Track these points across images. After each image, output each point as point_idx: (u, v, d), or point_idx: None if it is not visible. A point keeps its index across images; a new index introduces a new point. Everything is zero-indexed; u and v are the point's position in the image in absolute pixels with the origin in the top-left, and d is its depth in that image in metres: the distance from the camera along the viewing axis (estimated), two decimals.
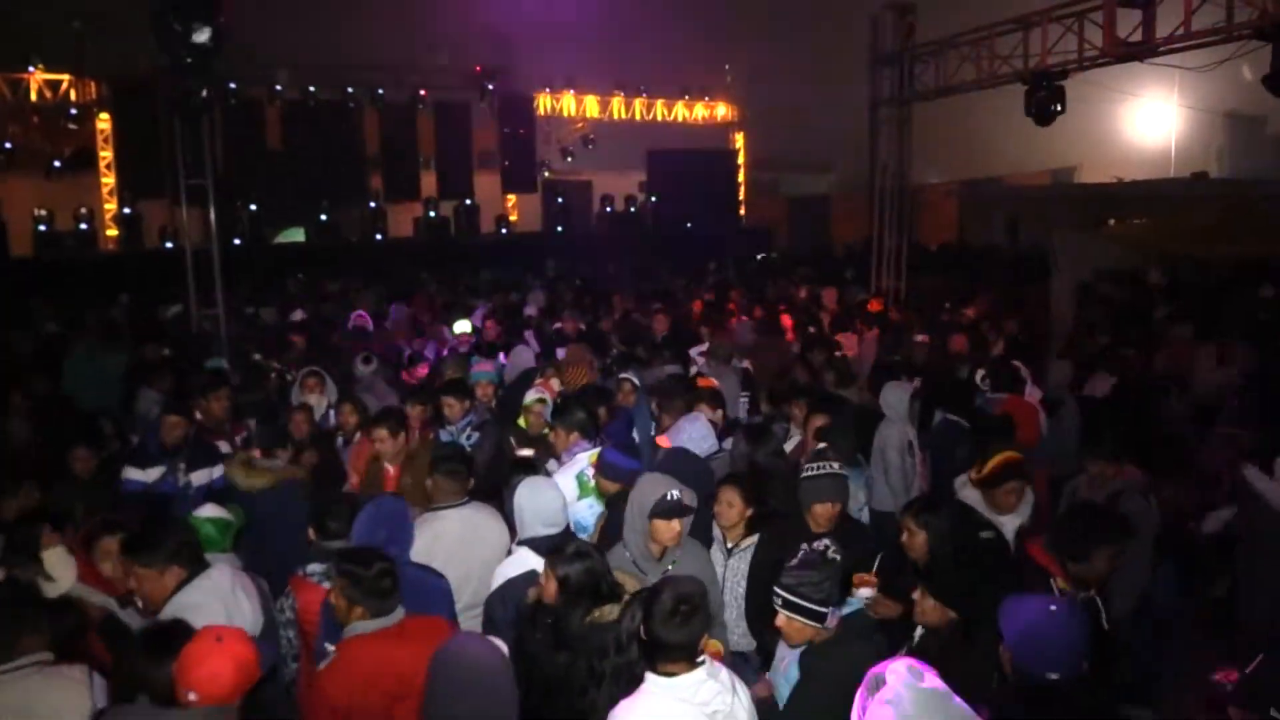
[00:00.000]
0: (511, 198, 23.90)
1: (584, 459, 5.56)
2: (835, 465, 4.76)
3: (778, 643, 3.90)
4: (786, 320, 11.58)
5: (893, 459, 6.53)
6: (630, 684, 3.20)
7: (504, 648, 3.32)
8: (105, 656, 3.60)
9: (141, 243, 18.82)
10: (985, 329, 10.64)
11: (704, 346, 9.28)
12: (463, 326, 10.56)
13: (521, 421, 6.64)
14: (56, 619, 3.43)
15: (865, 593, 4.15)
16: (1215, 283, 13.39)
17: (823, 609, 3.44)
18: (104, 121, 18.97)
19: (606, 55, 23.62)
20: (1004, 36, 13.62)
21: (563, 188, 24.22)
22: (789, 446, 6.45)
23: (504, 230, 22.95)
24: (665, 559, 4.24)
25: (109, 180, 19.19)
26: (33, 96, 18.22)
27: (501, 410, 7.38)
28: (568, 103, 23.98)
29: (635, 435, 6.57)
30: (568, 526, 5.03)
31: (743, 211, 26.73)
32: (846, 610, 3.57)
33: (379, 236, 21.14)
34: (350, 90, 20.26)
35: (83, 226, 18.44)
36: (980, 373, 8.44)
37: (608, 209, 24.45)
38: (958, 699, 2.57)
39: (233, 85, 17.74)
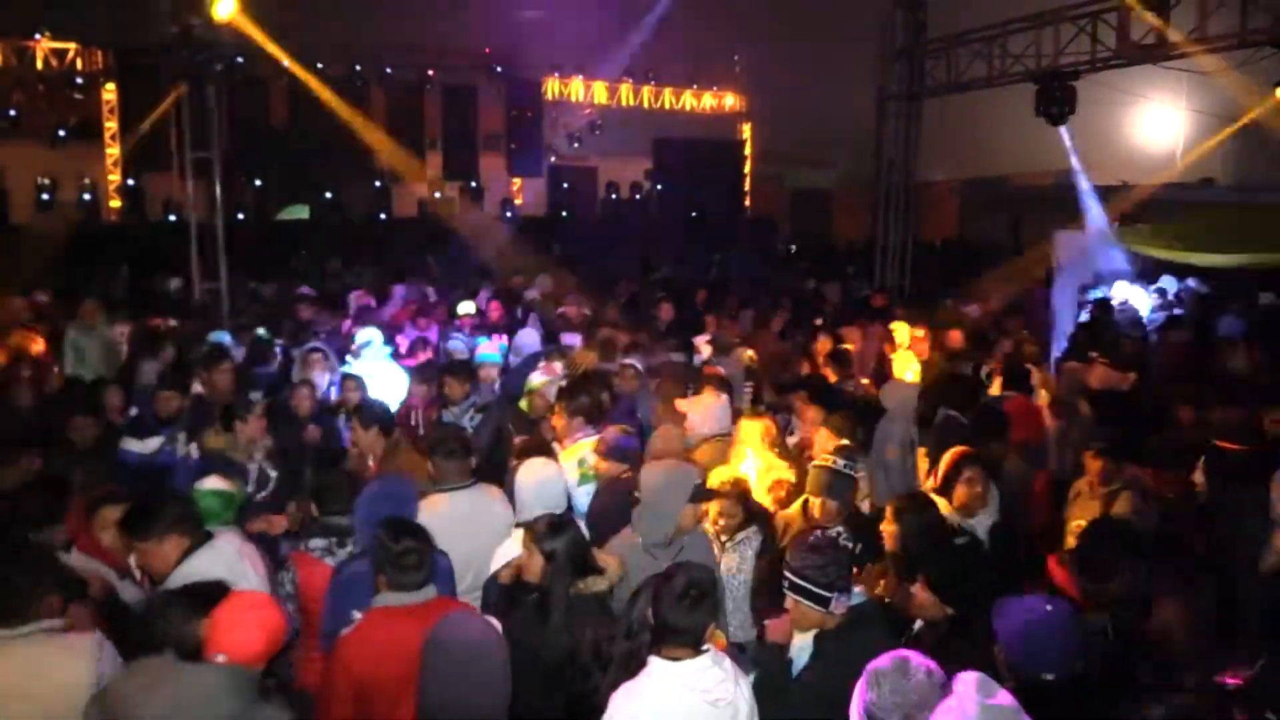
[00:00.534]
0: (517, 181, 23.83)
1: (586, 445, 5.57)
2: (841, 463, 4.77)
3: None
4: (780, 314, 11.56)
5: (893, 456, 6.54)
6: (637, 670, 3.21)
7: (499, 626, 3.34)
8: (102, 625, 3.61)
9: (144, 215, 18.77)
10: (987, 327, 10.64)
11: (708, 335, 9.28)
12: (466, 308, 10.54)
13: (524, 404, 6.64)
14: (68, 588, 3.45)
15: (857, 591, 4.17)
16: (1217, 289, 13.37)
17: (827, 593, 3.45)
18: (110, 92, 18.89)
19: (615, 41, 23.49)
20: (1016, 35, 13.59)
21: (568, 173, 24.12)
22: (791, 441, 6.47)
23: (509, 214, 22.90)
24: (674, 545, 4.25)
25: (113, 151, 19.10)
26: (39, 65, 18.13)
27: (504, 394, 7.38)
28: (576, 88, 23.87)
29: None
30: (569, 509, 5.06)
31: (747, 203, 26.68)
32: (856, 599, 3.57)
33: (383, 216, 21.09)
34: (358, 68, 20.17)
35: (86, 197, 18.41)
36: (984, 370, 8.46)
37: (613, 195, 24.40)
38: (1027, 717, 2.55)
39: (240, 60, 17.65)
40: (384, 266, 15.25)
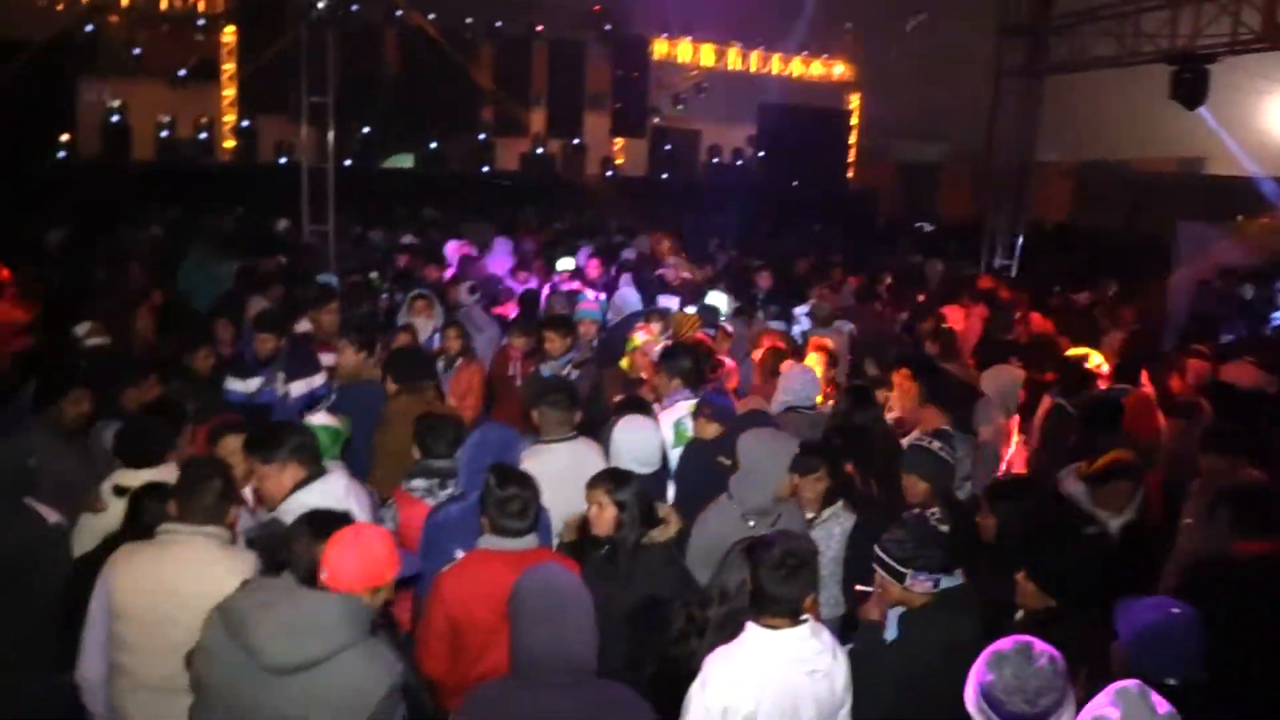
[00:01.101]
0: (619, 141, 23.73)
1: (684, 408, 5.56)
2: (937, 445, 4.66)
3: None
4: (884, 289, 11.36)
5: (987, 438, 6.39)
6: (733, 635, 3.19)
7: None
8: None
9: (256, 156, 19.23)
10: (1099, 316, 10.30)
11: (808, 306, 9.17)
12: (566, 264, 10.58)
13: (624, 362, 6.64)
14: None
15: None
16: None
17: (902, 568, 3.44)
18: (229, 34, 19.31)
19: (725, 3, 23.14)
20: (1150, 13, 12.98)
21: (671, 135, 23.90)
22: (890, 417, 6.35)
23: (609, 173, 22.88)
24: (772, 513, 4.21)
25: (229, 93, 19.55)
26: (163, 5, 18.61)
27: (602, 351, 7.39)
28: (684, 49, 23.59)
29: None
30: (664, 468, 5.06)
31: (850, 174, 26.19)
32: (948, 583, 3.49)
33: (485, 169, 21.27)
34: (468, 20, 20.25)
35: (202, 136, 18.92)
36: (1095, 360, 8.19)
37: (714, 160, 24.15)
38: None
39: (355, 8, 17.87)
40: (485, 219, 15.35)
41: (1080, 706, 2.62)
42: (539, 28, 21.26)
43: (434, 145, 20.72)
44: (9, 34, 14.94)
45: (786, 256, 13.35)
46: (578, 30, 21.94)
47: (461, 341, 7.09)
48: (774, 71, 24.74)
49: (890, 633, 3.61)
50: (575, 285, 9.54)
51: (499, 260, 11.29)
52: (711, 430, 5.16)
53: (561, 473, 4.44)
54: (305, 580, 2.97)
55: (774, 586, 3.10)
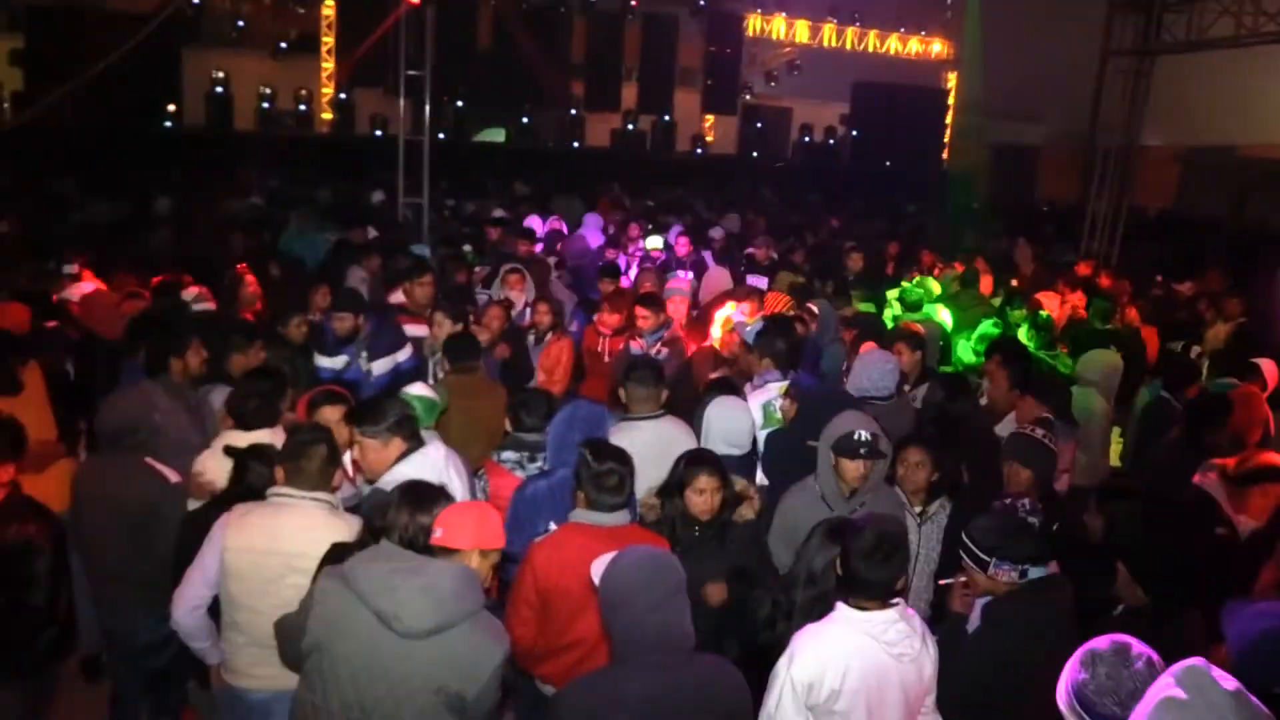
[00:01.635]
0: (710, 118, 23.55)
1: (774, 389, 5.53)
2: (1040, 433, 4.56)
3: None
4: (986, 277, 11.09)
5: (1093, 431, 6.23)
6: (822, 616, 3.19)
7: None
8: None
9: (352, 129, 19.62)
10: (1203, 307, 9.93)
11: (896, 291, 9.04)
12: (655, 242, 10.59)
13: (715, 342, 6.63)
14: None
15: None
16: None
17: (986, 556, 3.42)
18: (329, 7, 19.68)
19: None
20: None
21: (762, 113, 23.63)
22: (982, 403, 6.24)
23: (699, 150, 22.75)
24: (854, 499, 4.17)
25: (328, 65, 19.96)
26: None
27: (692, 329, 7.39)
28: (778, 25, 23.27)
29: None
30: (753, 450, 5.05)
31: (945, 155, 25.58)
32: (1036, 573, 3.43)
33: (575, 144, 21.33)
34: None
35: (301, 108, 19.37)
36: (1196, 351, 7.94)
37: (805, 139, 23.85)
38: None
39: None
40: (574, 194, 15.43)
41: None
42: (633, 2, 21.19)
43: (526, 120, 20.84)
44: (118, 5, 15.43)
45: (877, 238, 13.15)
46: (671, 5, 21.81)
47: (552, 316, 7.17)
48: (869, 49, 24.24)
49: (975, 624, 3.57)
50: (663, 260, 9.53)
51: (590, 236, 11.34)
52: (792, 411, 5.13)
53: (648, 450, 4.40)
54: (405, 544, 3.06)
55: (866, 571, 3.10)
